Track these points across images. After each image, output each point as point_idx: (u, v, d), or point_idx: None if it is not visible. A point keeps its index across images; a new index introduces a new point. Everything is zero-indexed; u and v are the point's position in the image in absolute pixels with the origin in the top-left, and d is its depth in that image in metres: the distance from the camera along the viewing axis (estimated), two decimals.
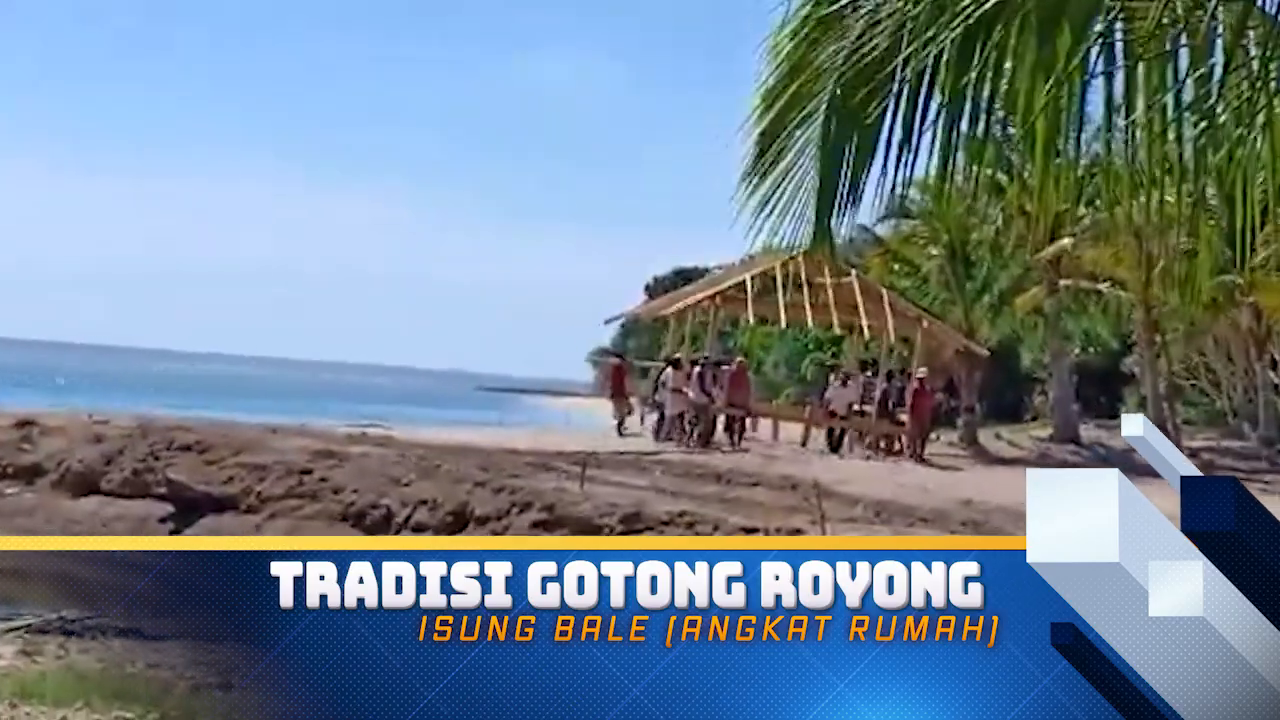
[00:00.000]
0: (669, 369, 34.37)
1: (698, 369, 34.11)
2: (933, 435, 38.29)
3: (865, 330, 35.79)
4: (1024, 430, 44.93)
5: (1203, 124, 6.78)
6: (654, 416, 34.73)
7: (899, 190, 6.98)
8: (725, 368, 34.48)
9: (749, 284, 34.65)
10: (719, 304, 36.53)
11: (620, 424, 35.74)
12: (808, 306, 33.35)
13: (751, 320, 36.39)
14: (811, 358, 55.58)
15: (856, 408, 33.55)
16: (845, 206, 7.05)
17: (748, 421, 34.13)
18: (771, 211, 7.13)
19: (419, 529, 21.84)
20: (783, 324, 36.44)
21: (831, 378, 35.95)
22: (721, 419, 33.28)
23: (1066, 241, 37.89)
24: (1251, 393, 43.82)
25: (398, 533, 21.79)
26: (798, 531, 20.59)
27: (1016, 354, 53.16)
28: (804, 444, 33.41)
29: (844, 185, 6.84)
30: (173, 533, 22.12)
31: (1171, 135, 6.73)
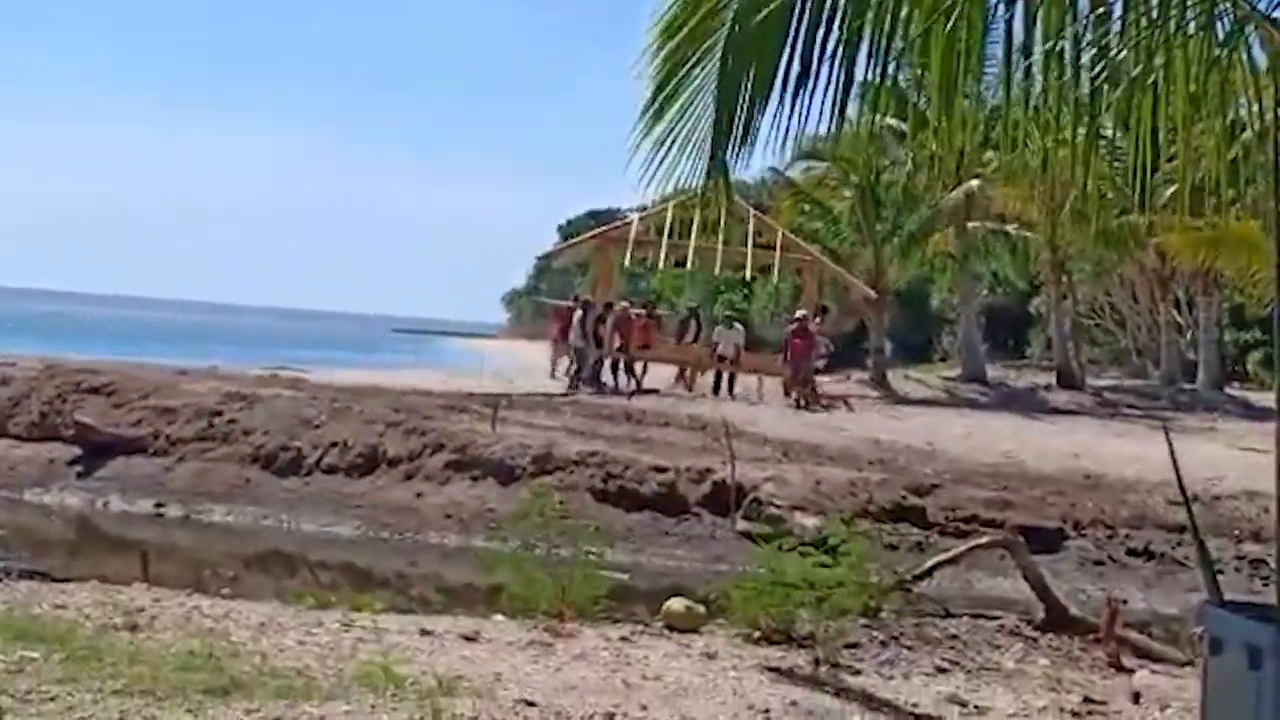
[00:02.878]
0: (578, 312, 34.44)
1: (578, 312, 34.10)
2: (844, 376, 38.60)
3: (760, 270, 35.71)
4: (932, 370, 45.35)
5: (1102, 64, 6.88)
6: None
7: (795, 129, 6.96)
8: (636, 313, 34.39)
9: (635, 227, 34.67)
10: (603, 245, 36.48)
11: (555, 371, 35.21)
12: (720, 248, 33.16)
13: (662, 263, 35.97)
14: (723, 300, 55.76)
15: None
16: (741, 144, 7.05)
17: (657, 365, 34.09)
18: (668, 150, 7.11)
19: (330, 471, 21.82)
20: (689, 266, 36.22)
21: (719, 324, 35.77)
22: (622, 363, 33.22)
23: (974, 183, 38.16)
24: (1155, 332, 44.46)
25: (308, 474, 21.76)
26: (708, 470, 20.78)
27: (926, 295, 53.65)
28: (689, 387, 33.19)
29: (740, 122, 6.86)
30: (81, 475, 21.99)
31: (1070, 75, 6.82)
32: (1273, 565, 3.78)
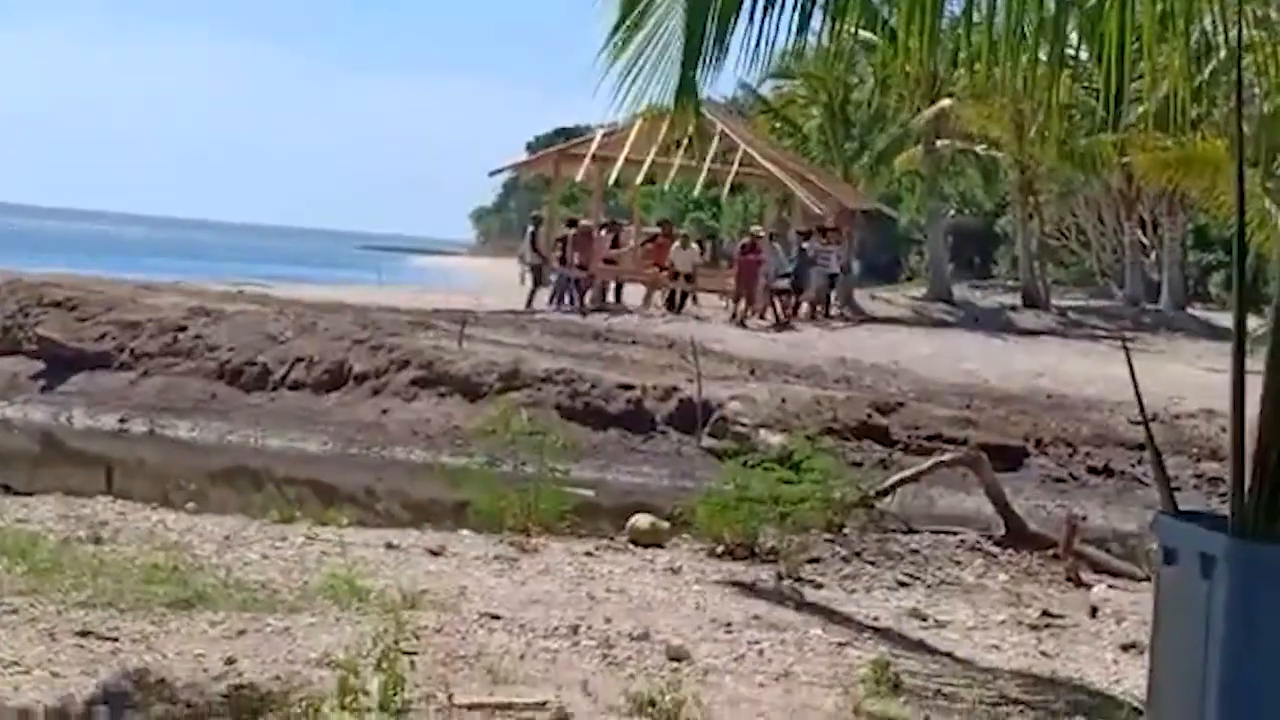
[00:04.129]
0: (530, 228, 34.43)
1: (529, 229, 33.97)
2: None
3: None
4: (899, 290, 45.42)
5: None
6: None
7: (765, 46, 6.95)
8: (650, 231, 34.11)
9: (595, 143, 34.21)
10: (564, 161, 36.12)
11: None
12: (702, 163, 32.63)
13: (640, 179, 35.32)
14: (691, 218, 55.67)
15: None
16: (711, 62, 7.03)
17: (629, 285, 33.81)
18: (639, 71, 7.09)
19: (296, 387, 21.80)
20: (666, 183, 35.71)
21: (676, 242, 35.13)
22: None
23: (946, 103, 38.07)
24: (1119, 253, 44.62)
25: (274, 390, 21.74)
26: (674, 388, 20.82)
27: (893, 215, 53.61)
28: (646, 303, 32.91)
29: (710, 40, 6.83)
30: (45, 389, 21.92)
31: None
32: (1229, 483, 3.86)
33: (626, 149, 32.05)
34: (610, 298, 33.16)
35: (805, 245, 33.43)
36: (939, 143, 40.90)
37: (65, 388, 21.99)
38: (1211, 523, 3.57)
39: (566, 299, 32.03)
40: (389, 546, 10.32)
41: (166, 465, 19.02)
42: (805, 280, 32.97)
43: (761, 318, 31.36)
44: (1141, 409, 4.89)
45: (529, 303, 31.43)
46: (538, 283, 32.44)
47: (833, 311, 34.66)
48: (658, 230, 36.53)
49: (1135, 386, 4.94)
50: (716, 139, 32.02)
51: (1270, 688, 3.24)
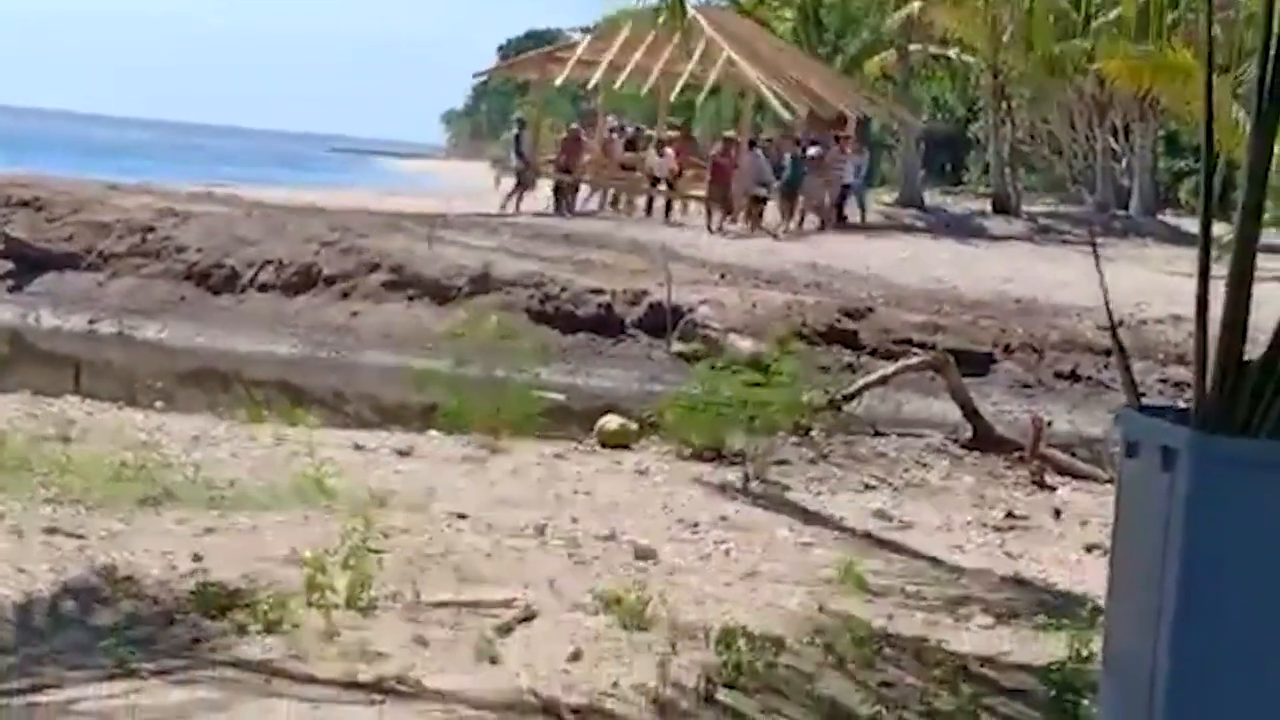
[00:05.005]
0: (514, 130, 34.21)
1: (515, 133, 33.75)
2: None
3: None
4: (871, 195, 45.33)
5: None
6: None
7: None
8: (668, 134, 33.64)
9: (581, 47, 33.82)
10: (546, 64, 35.76)
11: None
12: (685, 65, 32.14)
13: (619, 83, 34.62)
14: (667, 121, 55.27)
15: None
16: None
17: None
18: None
19: (264, 288, 21.73)
20: (646, 86, 34.94)
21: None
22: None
23: (916, 4, 37.82)
24: (1091, 159, 44.58)
25: (243, 292, 21.66)
26: (644, 293, 20.81)
27: (865, 119, 53.36)
28: (615, 206, 32.71)
29: None
30: (12, 290, 21.80)
31: None
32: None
33: (614, 52, 31.67)
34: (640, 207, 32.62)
35: (812, 151, 33.18)
36: (912, 47, 40.69)
37: (33, 288, 21.89)
38: (1175, 416, 3.60)
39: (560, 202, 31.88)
40: (357, 447, 10.35)
41: (135, 366, 18.99)
42: (801, 188, 32.65)
43: (735, 223, 31.16)
44: (1108, 309, 4.92)
45: (516, 206, 31.29)
46: (521, 185, 32.24)
47: (851, 220, 33.95)
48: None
49: (1104, 292, 4.94)
50: (702, 42, 31.68)
51: (1226, 580, 3.29)
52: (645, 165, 32.85)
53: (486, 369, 12.09)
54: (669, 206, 32.56)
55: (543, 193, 32.39)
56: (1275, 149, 3.71)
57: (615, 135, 34.36)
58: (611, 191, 33.73)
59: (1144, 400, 4.04)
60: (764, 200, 31.67)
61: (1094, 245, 7.39)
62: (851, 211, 34.56)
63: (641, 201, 33.19)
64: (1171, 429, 3.41)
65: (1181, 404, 3.83)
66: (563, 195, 32.03)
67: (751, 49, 34.13)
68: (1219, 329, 3.58)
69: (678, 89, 33.85)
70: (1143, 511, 3.43)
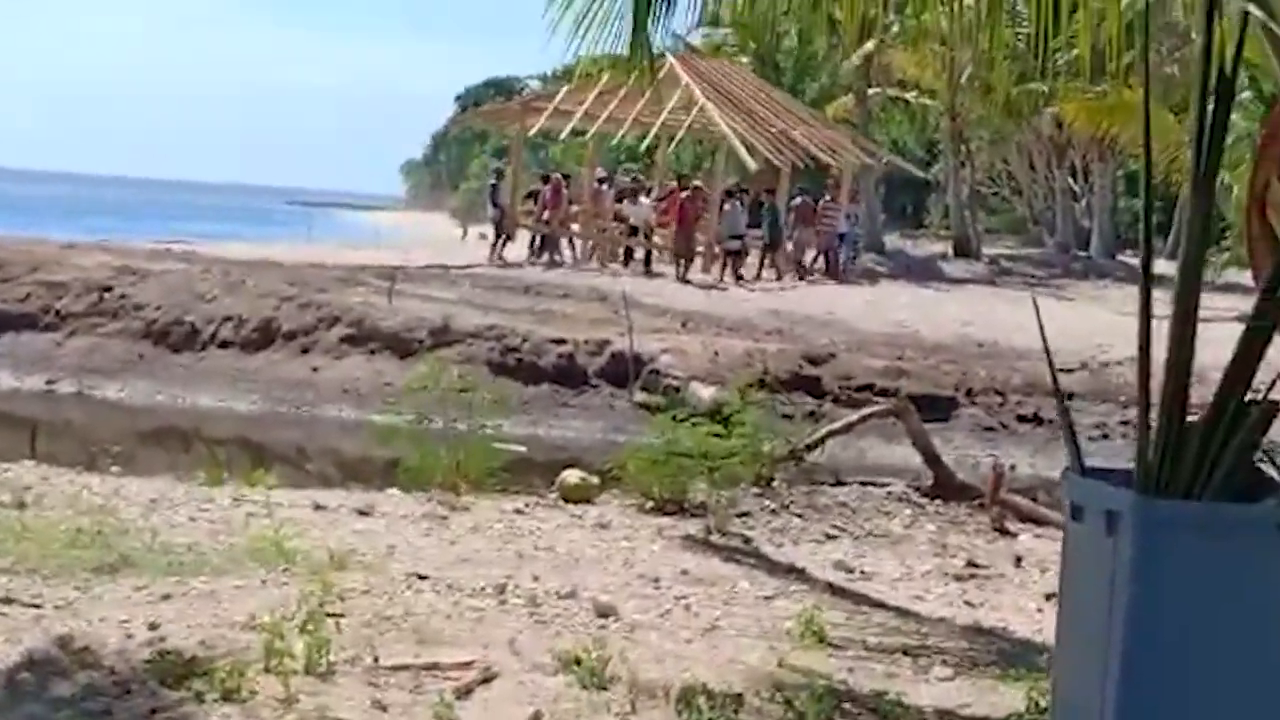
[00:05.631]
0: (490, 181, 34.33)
1: (491, 183, 33.84)
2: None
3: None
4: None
5: None
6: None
7: None
8: (669, 185, 33.51)
9: (560, 95, 33.65)
10: (521, 114, 35.71)
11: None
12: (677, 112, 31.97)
13: (592, 129, 34.26)
14: (623, 168, 55.46)
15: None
16: (661, 15, 7.07)
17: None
18: (589, 24, 7.12)
19: (225, 345, 21.65)
20: (619, 136, 34.78)
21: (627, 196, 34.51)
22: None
23: (871, 44, 38.00)
24: (1050, 200, 44.91)
25: (202, 349, 21.58)
26: (606, 342, 20.83)
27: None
28: (591, 258, 32.60)
29: None
30: None
31: None
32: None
33: (588, 102, 31.55)
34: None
35: (796, 202, 33.33)
36: (870, 91, 40.97)
37: None
38: (1118, 479, 3.62)
39: (545, 253, 31.86)
40: (317, 507, 10.28)
41: (94, 427, 18.87)
42: (783, 239, 32.68)
43: (707, 272, 31.12)
44: (1048, 355, 4.95)
45: (499, 256, 31.32)
46: (500, 236, 32.26)
47: (845, 269, 33.87)
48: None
49: (1044, 342, 4.99)
50: (679, 90, 31.73)
51: (1169, 642, 3.30)
52: (622, 214, 32.73)
53: (447, 422, 12.06)
54: (649, 257, 32.38)
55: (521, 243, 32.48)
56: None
57: (605, 186, 34.27)
58: (592, 242, 33.60)
59: (1110, 450, 4.06)
60: (740, 252, 31.56)
61: (1034, 301, 7.48)
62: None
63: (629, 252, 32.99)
64: (1114, 492, 3.43)
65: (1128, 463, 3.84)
66: (546, 245, 32.08)
67: (730, 96, 34.14)
68: (1162, 389, 3.60)
69: (649, 137, 33.89)
70: (1088, 573, 3.44)
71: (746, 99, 34.63)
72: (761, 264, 32.40)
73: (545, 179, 33.77)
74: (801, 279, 32.31)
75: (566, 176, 34.80)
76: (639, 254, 32.58)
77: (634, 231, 32.71)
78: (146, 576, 7.63)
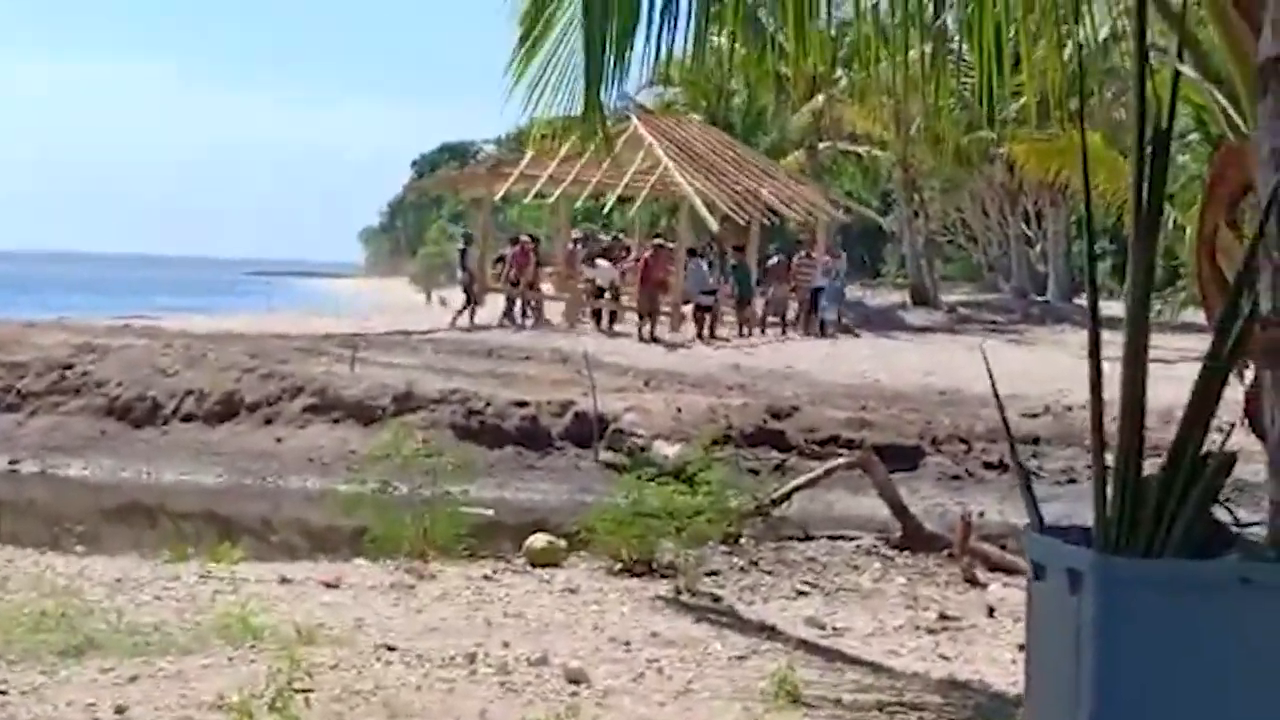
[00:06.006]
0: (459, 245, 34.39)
1: (460, 247, 33.86)
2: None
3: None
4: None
5: None
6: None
7: (662, 58, 7.04)
8: (578, 245, 33.50)
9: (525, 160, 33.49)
10: (487, 179, 35.73)
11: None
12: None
13: (559, 191, 33.94)
14: (582, 228, 55.56)
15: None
16: (613, 78, 7.11)
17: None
18: (544, 88, 7.18)
19: (188, 419, 21.53)
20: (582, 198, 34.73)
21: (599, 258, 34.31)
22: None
23: (820, 99, 38.24)
24: (1005, 246, 45.19)
25: (165, 424, 21.45)
26: (569, 403, 20.81)
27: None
28: (570, 323, 32.29)
29: (610, 56, 6.89)
30: None
31: None
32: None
33: (554, 166, 31.49)
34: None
35: (772, 262, 33.51)
36: (821, 145, 41.23)
37: None
38: (1078, 536, 3.62)
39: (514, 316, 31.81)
40: (283, 580, 10.21)
41: (58, 506, 18.70)
42: (749, 294, 32.79)
43: (676, 330, 31.09)
44: (1000, 407, 4.94)
45: (470, 321, 31.29)
46: (470, 300, 32.23)
47: (828, 326, 33.62)
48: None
49: (996, 394, 5.00)
50: (642, 151, 31.82)
51: (1136, 701, 3.29)
52: (587, 275, 32.62)
53: (413, 489, 12.02)
54: (614, 316, 32.29)
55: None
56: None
57: (580, 246, 34.24)
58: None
59: (1076, 495, 4.06)
60: (710, 309, 31.46)
61: (983, 351, 7.52)
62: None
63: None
64: (1075, 551, 3.43)
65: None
66: (512, 308, 32.06)
67: (695, 155, 34.20)
68: (1118, 436, 3.60)
69: (612, 198, 33.88)
70: (1053, 631, 3.44)
71: (711, 156, 34.79)
72: (740, 322, 32.47)
73: (514, 241, 33.72)
74: (783, 334, 32.47)
75: (535, 239, 34.73)
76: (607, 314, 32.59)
77: (600, 293, 32.62)
78: (113, 658, 7.56)
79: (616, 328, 31.59)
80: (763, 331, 32.79)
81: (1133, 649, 3.25)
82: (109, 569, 10.45)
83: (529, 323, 31.91)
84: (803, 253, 35.14)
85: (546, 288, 33.96)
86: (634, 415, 20.38)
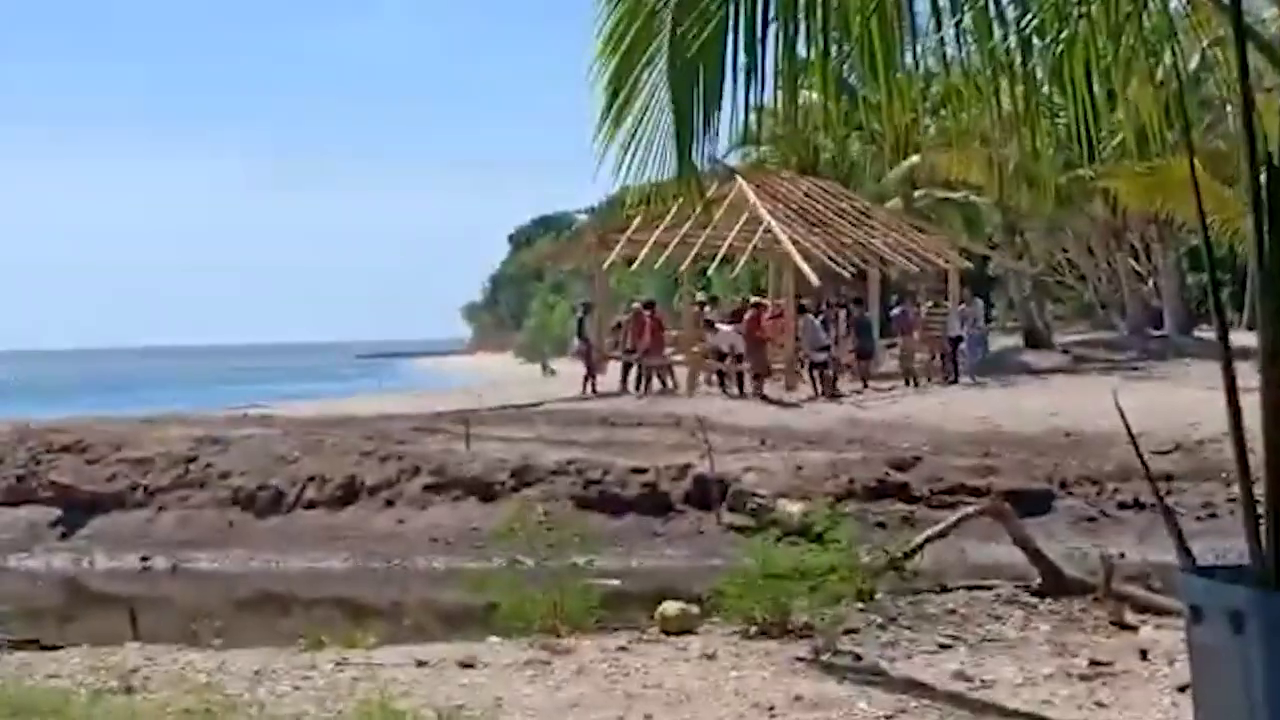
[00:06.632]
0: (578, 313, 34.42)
1: (578, 316, 33.88)
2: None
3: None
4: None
5: (1026, 19, 6.81)
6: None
7: (751, 117, 6.98)
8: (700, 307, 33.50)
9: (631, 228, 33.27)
10: (592, 248, 35.68)
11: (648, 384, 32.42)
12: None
13: (660, 259, 33.68)
14: (681, 292, 55.53)
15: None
16: (703, 140, 7.05)
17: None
18: (634, 154, 7.13)
19: (311, 505, 21.68)
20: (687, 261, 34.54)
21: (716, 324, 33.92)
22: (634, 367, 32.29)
23: (915, 158, 37.96)
24: (1115, 283, 44.54)
25: (290, 511, 21.61)
26: (688, 466, 20.71)
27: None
28: (689, 390, 32.04)
29: (699, 118, 6.84)
30: (63, 536, 21.80)
31: (999, 36, 6.74)
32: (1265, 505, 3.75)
33: (659, 231, 31.41)
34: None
35: (895, 312, 33.34)
36: (917, 192, 40.98)
37: (84, 531, 21.87)
38: (1232, 575, 3.46)
39: (634, 383, 31.67)
40: (419, 663, 10.15)
41: (192, 599, 18.87)
42: (870, 348, 32.62)
43: (792, 389, 30.69)
44: (1134, 442, 4.84)
45: (592, 389, 31.29)
46: (591, 369, 32.22)
47: (963, 376, 33.34)
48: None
49: (1135, 443, 4.83)
50: (747, 209, 31.73)
51: None
52: (710, 341, 32.34)
53: (539, 562, 11.95)
54: (740, 379, 31.90)
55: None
56: None
57: (706, 309, 34.06)
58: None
59: (1222, 528, 3.90)
60: (827, 365, 31.00)
61: (1114, 392, 7.26)
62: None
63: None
64: (1233, 590, 3.27)
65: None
66: (628, 375, 31.91)
67: (801, 210, 34.02)
68: (1265, 471, 3.45)
69: (717, 259, 33.70)
70: (1218, 675, 3.29)
71: (821, 210, 34.63)
72: (862, 377, 32.09)
73: (638, 307, 33.29)
74: (912, 384, 32.18)
75: (651, 305, 34.41)
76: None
77: (722, 356, 32.23)
78: None
79: (735, 389, 31.25)
80: (907, 384, 32.44)
81: None
82: (247, 661, 10.44)
83: (648, 390, 31.63)
84: (930, 303, 34.81)
85: (670, 352, 33.47)
86: (754, 475, 20.26)
